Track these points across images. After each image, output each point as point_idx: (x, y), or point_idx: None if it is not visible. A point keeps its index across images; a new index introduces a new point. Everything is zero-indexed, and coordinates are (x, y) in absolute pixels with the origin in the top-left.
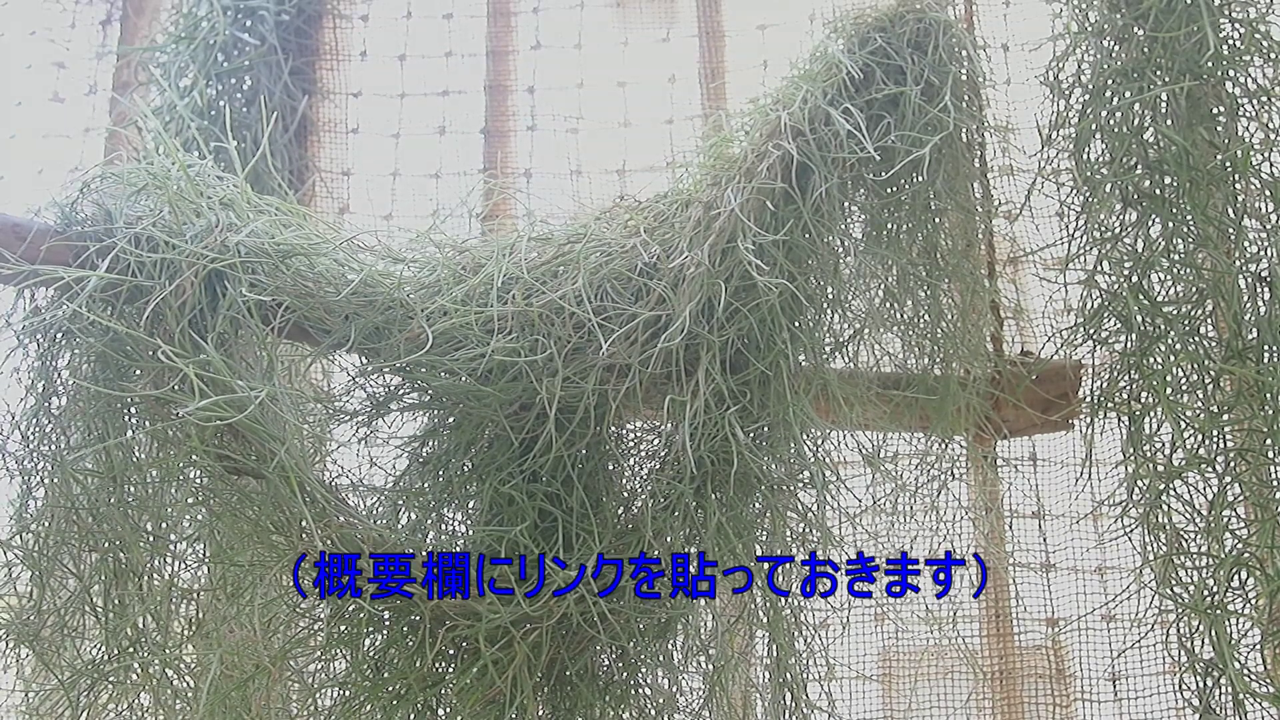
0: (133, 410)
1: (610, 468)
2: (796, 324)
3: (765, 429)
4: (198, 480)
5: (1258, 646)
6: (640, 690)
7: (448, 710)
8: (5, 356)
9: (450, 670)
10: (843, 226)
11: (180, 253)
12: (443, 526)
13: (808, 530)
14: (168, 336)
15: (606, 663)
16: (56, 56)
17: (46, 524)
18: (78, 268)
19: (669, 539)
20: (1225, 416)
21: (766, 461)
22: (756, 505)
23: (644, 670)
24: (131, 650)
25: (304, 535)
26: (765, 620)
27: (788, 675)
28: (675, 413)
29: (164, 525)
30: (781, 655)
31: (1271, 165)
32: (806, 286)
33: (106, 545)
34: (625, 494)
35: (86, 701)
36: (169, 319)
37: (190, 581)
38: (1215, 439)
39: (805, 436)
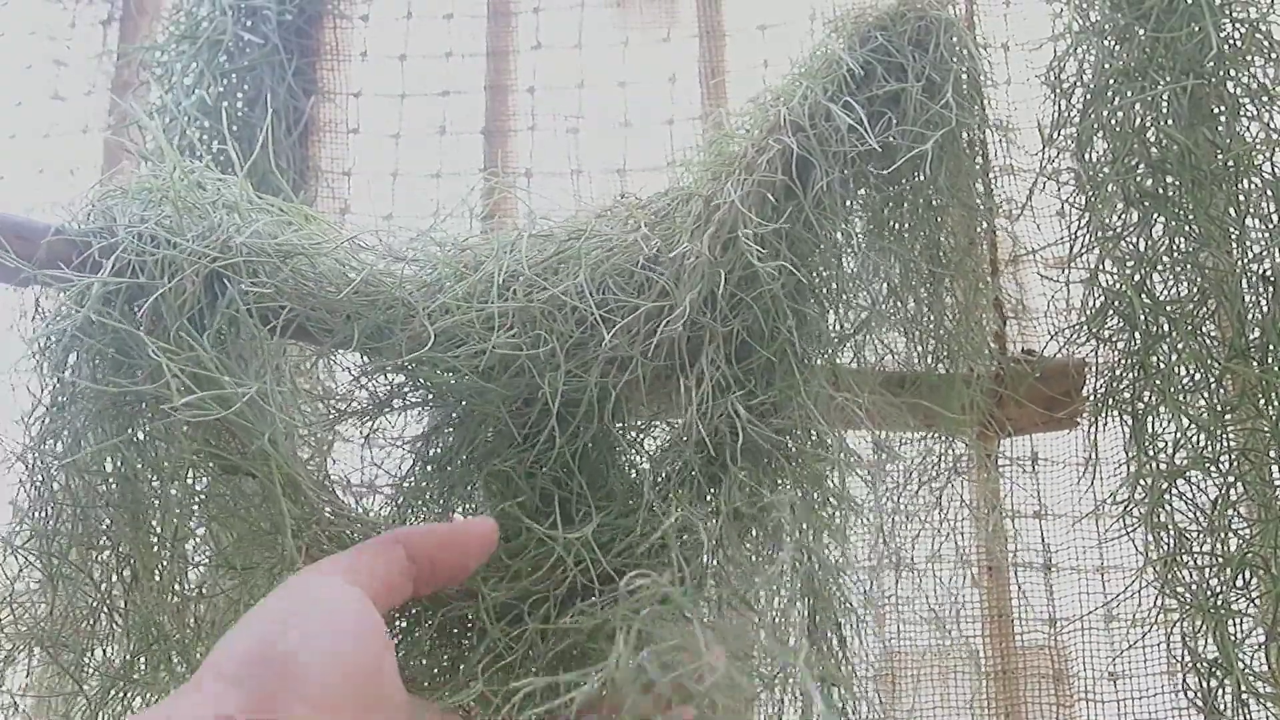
0: (137, 409)
1: (615, 462)
2: (801, 313)
3: (774, 406)
4: (197, 481)
5: (1262, 646)
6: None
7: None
8: (17, 360)
9: (461, 656)
10: (844, 224)
11: (182, 250)
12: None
13: (834, 510)
14: (164, 334)
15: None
16: (57, 56)
17: (55, 524)
18: (80, 267)
19: (677, 511)
20: (1228, 416)
21: (782, 438)
22: (774, 480)
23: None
24: (155, 649)
25: (291, 532)
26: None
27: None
28: (680, 399)
29: (173, 526)
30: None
31: (1273, 165)
32: (809, 280)
33: (119, 542)
34: (632, 479)
35: (121, 709)
36: (167, 318)
37: (197, 584)
38: (1219, 438)
39: (819, 410)
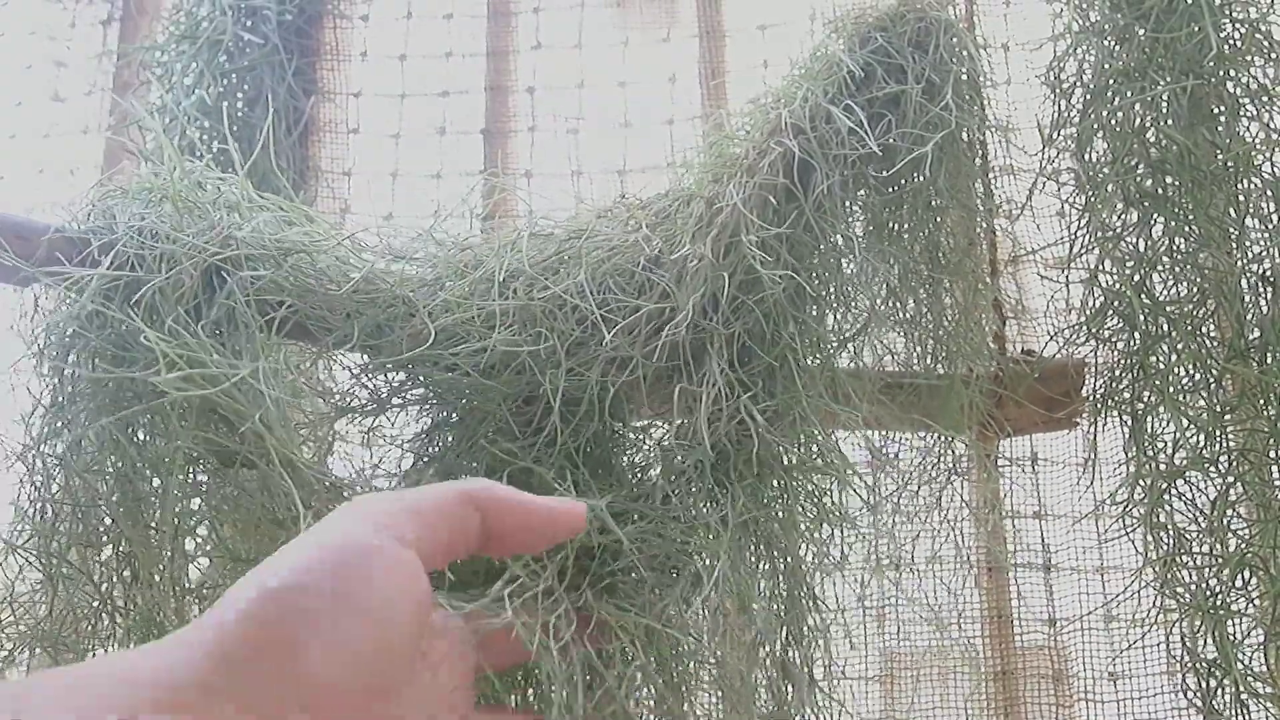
0: (135, 403)
1: (616, 461)
2: (802, 318)
3: (775, 414)
4: (195, 475)
5: (1261, 646)
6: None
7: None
8: (17, 360)
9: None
10: (845, 225)
11: (181, 245)
12: None
13: (825, 515)
14: (162, 327)
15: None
16: (57, 56)
17: (55, 524)
18: (80, 264)
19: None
20: (1228, 416)
21: (782, 445)
22: (773, 488)
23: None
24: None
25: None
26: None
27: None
28: (687, 403)
29: (173, 523)
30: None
31: (1273, 165)
32: (810, 282)
33: (119, 542)
34: (636, 473)
35: None
36: (163, 309)
37: (198, 582)
38: (1218, 439)
39: (817, 419)
